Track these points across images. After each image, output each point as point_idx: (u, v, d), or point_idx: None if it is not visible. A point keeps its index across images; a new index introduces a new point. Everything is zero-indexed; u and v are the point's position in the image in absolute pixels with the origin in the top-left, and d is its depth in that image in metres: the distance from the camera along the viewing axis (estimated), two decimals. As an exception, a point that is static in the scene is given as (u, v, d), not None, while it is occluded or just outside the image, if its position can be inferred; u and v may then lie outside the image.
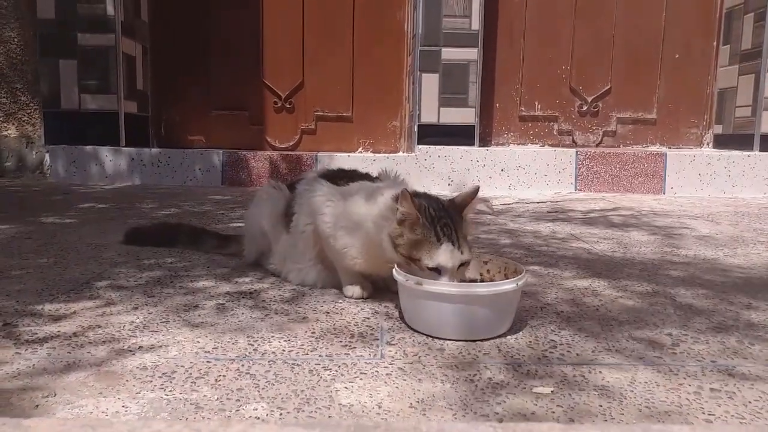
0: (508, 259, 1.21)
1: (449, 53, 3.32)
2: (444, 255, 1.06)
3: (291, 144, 3.71)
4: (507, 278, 1.13)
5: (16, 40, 3.32)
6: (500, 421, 0.76)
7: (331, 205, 1.23)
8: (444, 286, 1.03)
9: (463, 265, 1.10)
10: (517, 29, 3.63)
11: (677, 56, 3.69)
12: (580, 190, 3.28)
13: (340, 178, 1.33)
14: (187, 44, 3.65)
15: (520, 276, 1.06)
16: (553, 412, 0.78)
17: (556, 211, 2.59)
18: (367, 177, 1.35)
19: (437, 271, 1.07)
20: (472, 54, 3.33)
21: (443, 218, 1.10)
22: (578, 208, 2.71)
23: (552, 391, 0.84)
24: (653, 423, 0.76)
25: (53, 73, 3.27)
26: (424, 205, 1.11)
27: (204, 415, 0.76)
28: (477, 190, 1.19)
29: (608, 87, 3.70)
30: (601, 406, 0.80)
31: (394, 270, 1.10)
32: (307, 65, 3.68)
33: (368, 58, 3.67)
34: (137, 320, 1.10)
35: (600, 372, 0.91)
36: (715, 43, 3.67)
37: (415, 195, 1.12)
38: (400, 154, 3.56)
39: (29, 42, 3.32)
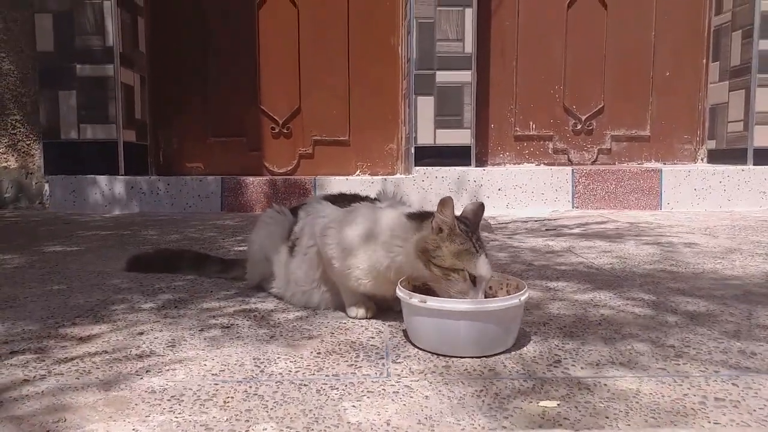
0: (509, 275, 1.22)
1: (444, 76, 3.37)
2: (483, 266, 1.08)
3: (289, 169, 3.75)
4: (509, 294, 1.14)
5: (15, 72, 3.37)
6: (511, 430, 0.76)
7: (334, 226, 1.24)
8: (448, 303, 1.04)
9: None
10: (509, 51, 3.70)
11: (668, 74, 3.75)
12: (578, 207, 3.31)
13: (342, 201, 1.34)
14: (184, 73, 3.71)
15: (522, 291, 1.07)
16: (560, 425, 0.79)
17: (554, 228, 2.61)
18: (367, 199, 1.37)
19: (474, 282, 1.08)
20: (466, 76, 3.38)
21: (474, 232, 1.12)
22: (576, 224, 2.73)
23: (558, 405, 0.85)
24: (659, 427, 0.77)
25: (53, 104, 3.30)
26: (455, 218, 1.13)
27: (214, 437, 0.76)
28: (482, 205, 1.21)
29: (601, 105, 3.75)
30: (607, 417, 0.81)
31: (397, 288, 1.11)
32: (304, 91, 3.73)
33: (364, 83, 3.72)
34: (143, 345, 1.11)
35: (605, 384, 0.92)
36: (704, 61, 3.74)
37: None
38: (398, 175, 3.59)
39: (28, 74, 3.36)
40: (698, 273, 1.69)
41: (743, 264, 1.81)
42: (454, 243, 1.09)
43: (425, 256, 1.10)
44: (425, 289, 1.13)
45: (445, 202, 1.08)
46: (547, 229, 2.60)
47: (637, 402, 0.86)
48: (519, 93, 3.73)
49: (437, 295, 1.09)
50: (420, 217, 1.17)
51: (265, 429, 0.78)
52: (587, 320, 1.25)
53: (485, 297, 1.18)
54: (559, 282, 1.60)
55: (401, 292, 1.09)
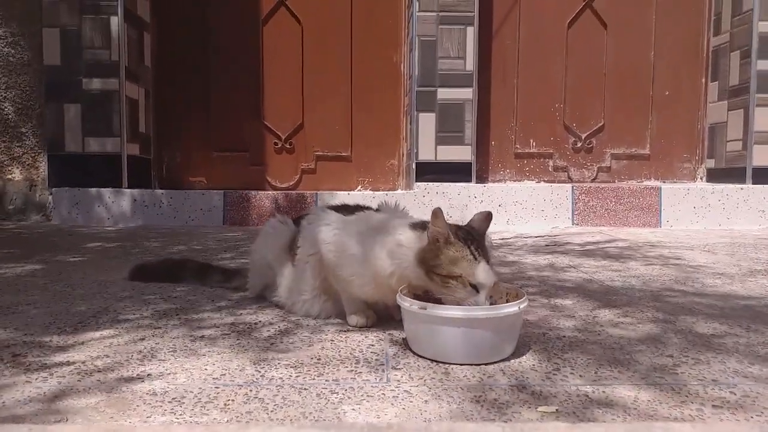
0: (509, 285, 1.23)
1: (445, 93, 3.41)
2: (483, 272, 1.09)
3: (291, 183, 3.77)
4: (509, 303, 1.15)
5: (22, 86, 3.41)
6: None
7: (337, 233, 1.26)
8: (447, 310, 1.05)
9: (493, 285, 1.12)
10: (510, 69, 3.74)
11: (667, 93, 3.79)
12: (578, 224, 3.32)
13: (345, 210, 1.36)
14: (188, 88, 3.75)
15: (521, 300, 1.08)
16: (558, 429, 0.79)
17: (554, 244, 2.62)
18: (369, 209, 1.38)
19: (475, 289, 1.08)
20: (467, 94, 3.42)
21: (473, 241, 1.13)
22: (576, 241, 2.74)
23: (557, 410, 0.86)
24: (655, 422, 0.77)
25: (58, 118, 3.34)
26: (453, 227, 1.14)
27: (215, 437, 0.77)
28: (489, 214, 1.22)
29: (601, 124, 3.78)
30: (604, 422, 0.81)
31: (397, 296, 1.12)
32: (307, 107, 3.76)
33: (366, 99, 3.76)
34: (145, 350, 1.12)
35: (603, 392, 0.92)
36: (703, 80, 3.78)
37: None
38: (399, 191, 3.61)
39: (35, 87, 3.41)
40: (697, 288, 1.70)
41: (742, 280, 1.81)
42: (450, 251, 1.10)
43: (425, 266, 1.12)
44: (426, 298, 1.14)
45: (436, 213, 1.10)
46: (547, 245, 2.61)
47: (635, 408, 0.86)
48: (519, 111, 3.76)
49: (438, 303, 1.10)
50: (422, 228, 1.18)
51: (265, 430, 0.79)
52: (586, 331, 1.26)
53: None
54: (558, 296, 1.60)
55: (402, 300, 1.10)
